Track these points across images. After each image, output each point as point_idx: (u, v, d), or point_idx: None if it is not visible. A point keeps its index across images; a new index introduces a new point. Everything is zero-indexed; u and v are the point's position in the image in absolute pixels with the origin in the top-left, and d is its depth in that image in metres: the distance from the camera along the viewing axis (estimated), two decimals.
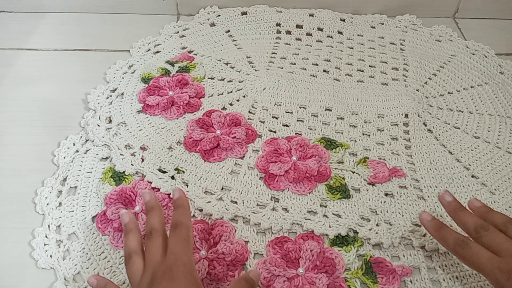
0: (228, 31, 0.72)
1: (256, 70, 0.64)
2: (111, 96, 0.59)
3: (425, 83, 0.63)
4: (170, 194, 0.47)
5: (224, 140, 0.52)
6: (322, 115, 0.57)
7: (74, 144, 0.52)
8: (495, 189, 0.49)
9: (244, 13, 0.74)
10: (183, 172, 0.50)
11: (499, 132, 0.56)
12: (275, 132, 0.55)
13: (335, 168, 0.50)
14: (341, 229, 0.44)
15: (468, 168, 0.52)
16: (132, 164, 0.50)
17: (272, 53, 0.68)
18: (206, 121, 0.55)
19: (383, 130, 0.56)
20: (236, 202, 0.47)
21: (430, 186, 0.49)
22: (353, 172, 0.50)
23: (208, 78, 0.63)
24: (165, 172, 0.50)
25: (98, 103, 0.57)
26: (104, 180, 0.49)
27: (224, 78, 0.63)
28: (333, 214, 0.46)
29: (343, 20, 0.74)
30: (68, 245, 0.43)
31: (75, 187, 0.48)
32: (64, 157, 0.51)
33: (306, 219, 0.45)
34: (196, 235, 0.43)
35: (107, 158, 0.51)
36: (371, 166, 0.50)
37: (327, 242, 0.44)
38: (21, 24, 0.72)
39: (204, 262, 0.41)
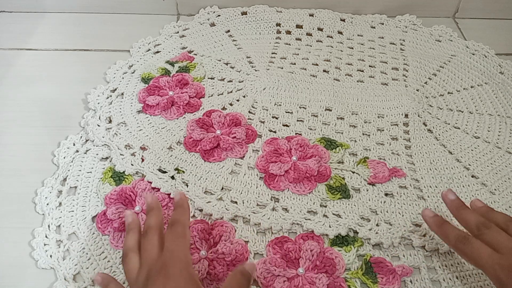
0: (228, 31, 0.72)
1: (256, 70, 0.64)
2: (111, 96, 0.59)
3: (425, 83, 0.63)
4: (170, 194, 0.47)
5: (224, 140, 0.52)
6: (322, 115, 0.57)
7: (74, 144, 0.52)
8: (495, 189, 0.49)
9: (244, 13, 0.74)
10: (183, 172, 0.50)
11: (499, 132, 0.56)
12: (275, 132, 0.55)
13: (335, 168, 0.50)
14: (341, 229, 0.44)
15: (468, 168, 0.52)
16: (132, 164, 0.50)
17: (272, 53, 0.68)
18: (206, 121, 0.55)
19: (383, 130, 0.56)
20: (236, 202, 0.47)
21: (430, 186, 0.49)
22: (353, 172, 0.50)
23: (208, 78, 0.63)
24: (165, 172, 0.50)
25: (98, 103, 0.57)
26: (104, 180, 0.49)
27: (224, 78, 0.63)
28: (333, 214, 0.46)
29: (343, 20, 0.74)
30: (68, 245, 0.43)
31: (75, 187, 0.48)
32: (64, 157, 0.51)
33: (306, 219, 0.45)
34: (196, 235, 0.43)
35: (107, 158, 0.51)
36: (371, 166, 0.50)
37: (327, 242, 0.44)
38: (21, 24, 0.72)
39: (204, 262, 0.41)
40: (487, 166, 0.52)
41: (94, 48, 0.68)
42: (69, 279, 0.41)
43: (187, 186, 0.48)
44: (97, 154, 0.51)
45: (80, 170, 0.50)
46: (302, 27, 0.73)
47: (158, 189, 0.48)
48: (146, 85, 0.60)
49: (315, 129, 0.55)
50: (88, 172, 0.50)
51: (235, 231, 0.45)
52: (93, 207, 0.46)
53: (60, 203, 0.47)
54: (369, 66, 0.66)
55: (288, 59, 0.66)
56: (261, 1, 0.75)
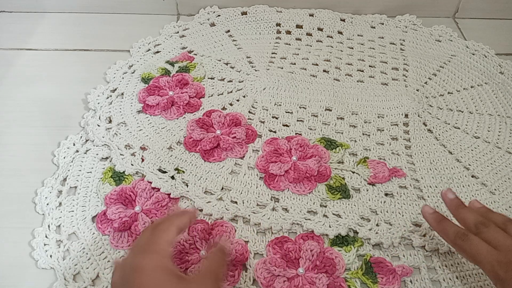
0: (228, 31, 0.72)
1: (256, 70, 0.64)
2: (111, 96, 0.59)
3: (425, 83, 0.63)
4: (170, 194, 0.47)
5: (224, 140, 0.52)
6: (322, 115, 0.57)
7: (74, 144, 0.52)
8: (495, 189, 0.49)
9: (244, 13, 0.74)
10: (183, 172, 0.50)
11: (499, 132, 0.56)
12: (275, 132, 0.55)
13: (335, 168, 0.50)
14: (341, 229, 0.44)
15: (468, 168, 0.52)
16: (132, 164, 0.50)
17: (272, 53, 0.68)
18: (206, 121, 0.55)
19: (383, 130, 0.56)
20: (236, 202, 0.47)
21: (430, 186, 0.49)
22: (353, 172, 0.50)
23: (208, 78, 0.63)
24: (165, 172, 0.50)
25: (98, 103, 0.57)
26: (104, 180, 0.49)
27: (224, 78, 0.63)
28: (333, 214, 0.46)
29: (343, 20, 0.74)
30: (68, 245, 0.43)
31: (75, 187, 0.48)
32: (64, 157, 0.51)
33: (306, 219, 0.45)
34: (196, 235, 0.43)
35: (107, 158, 0.51)
36: (371, 166, 0.50)
37: (327, 242, 0.44)
38: (21, 24, 0.72)
39: (204, 262, 0.41)
40: (487, 166, 0.52)
41: (94, 48, 0.68)
42: (69, 279, 0.41)
43: (187, 186, 0.48)
44: (97, 154, 0.51)
45: (80, 170, 0.50)
46: (302, 27, 0.73)
47: (158, 189, 0.47)
48: (146, 85, 0.60)
49: (315, 129, 0.55)
50: (88, 172, 0.50)
51: (235, 231, 0.45)
52: (93, 207, 0.46)
53: (60, 203, 0.47)
54: (369, 66, 0.66)
55: (288, 59, 0.66)
56: (261, 1, 0.75)
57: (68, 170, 0.49)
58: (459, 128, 0.57)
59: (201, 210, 0.46)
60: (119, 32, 0.71)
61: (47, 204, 0.46)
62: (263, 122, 0.56)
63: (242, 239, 0.44)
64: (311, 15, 0.74)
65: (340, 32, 0.72)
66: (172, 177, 0.49)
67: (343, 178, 0.49)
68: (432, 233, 0.44)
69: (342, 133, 0.55)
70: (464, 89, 0.63)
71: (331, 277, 0.40)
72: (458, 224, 0.40)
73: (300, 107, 0.58)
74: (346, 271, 0.42)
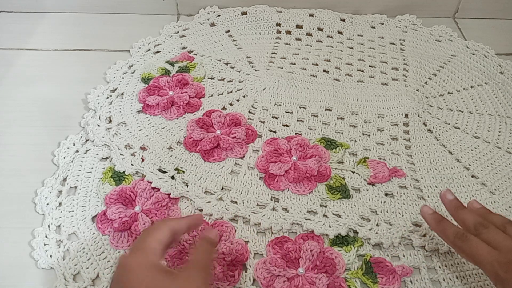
0: (228, 31, 0.72)
1: (256, 70, 0.64)
2: (111, 96, 0.59)
3: (425, 83, 0.63)
4: (170, 194, 0.47)
5: (224, 140, 0.52)
6: (322, 115, 0.57)
7: (74, 144, 0.52)
8: (495, 189, 0.49)
9: (244, 13, 0.74)
10: (183, 172, 0.50)
11: (499, 132, 0.56)
12: (275, 132, 0.55)
13: (335, 168, 0.50)
14: (341, 229, 0.44)
15: (468, 168, 0.52)
16: (132, 164, 0.50)
17: (272, 53, 0.68)
18: (206, 121, 0.55)
19: (383, 130, 0.56)
20: (236, 202, 0.47)
21: (430, 186, 0.49)
22: (353, 172, 0.50)
23: (208, 78, 0.63)
24: (165, 172, 0.49)
25: (98, 103, 0.57)
26: (104, 180, 0.49)
27: (224, 78, 0.63)
28: (333, 214, 0.46)
29: (343, 20, 0.74)
30: (68, 245, 0.43)
31: (75, 187, 0.48)
32: (64, 157, 0.51)
33: (306, 219, 0.45)
34: (196, 235, 0.43)
35: (107, 158, 0.51)
36: (371, 166, 0.50)
37: (327, 242, 0.44)
38: (21, 24, 0.72)
39: None
40: (487, 166, 0.52)
41: (94, 48, 0.68)
42: (69, 279, 0.41)
43: (187, 186, 0.48)
44: (97, 154, 0.51)
45: (80, 170, 0.50)
46: (302, 27, 0.73)
47: (158, 189, 0.47)
48: (146, 85, 0.60)
49: (315, 129, 0.55)
50: (88, 172, 0.50)
51: (235, 231, 0.45)
52: (93, 207, 0.46)
53: (60, 203, 0.47)
54: (369, 66, 0.66)
55: (288, 59, 0.66)
56: (261, 1, 0.75)
57: (68, 170, 0.49)
58: (459, 128, 0.57)
59: (201, 210, 0.46)
60: (119, 32, 0.71)
61: (47, 204, 0.46)
62: (263, 122, 0.56)
63: (242, 239, 0.44)
64: (311, 15, 0.74)
65: (340, 32, 0.72)
66: (172, 177, 0.49)
67: (343, 178, 0.49)
68: (432, 233, 0.44)
69: (342, 133, 0.55)
70: (464, 89, 0.63)
71: (331, 277, 0.40)
72: (457, 225, 0.40)
73: (300, 107, 0.58)
74: (346, 271, 0.42)
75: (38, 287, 0.41)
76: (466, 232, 0.38)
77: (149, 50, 0.67)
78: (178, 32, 0.71)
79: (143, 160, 0.50)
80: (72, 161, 0.50)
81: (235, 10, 0.74)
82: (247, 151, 0.52)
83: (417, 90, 0.62)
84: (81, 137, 0.53)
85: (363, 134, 0.55)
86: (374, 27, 0.73)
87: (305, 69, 0.64)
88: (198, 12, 0.74)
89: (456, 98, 0.61)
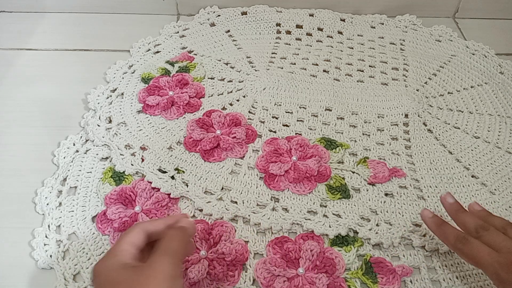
0: (228, 31, 0.72)
1: (256, 70, 0.64)
2: (111, 96, 0.59)
3: (425, 83, 0.63)
4: (170, 194, 0.47)
5: (224, 140, 0.52)
6: (322, 115, 0.57)
7: (74, 144, 0.52)
8: (495, 189, 0.49)
9: (244, 13, 0.74)
10: (183, 172, 0.50)
11: (499, 132, 0.56)
12: (275, 132, 0.55)
13: (335, 168, 0.50)
14: (341, 229, 0.44)
15: (468, 168, 0.52)
16: (132, 164, 0.50)
17: (272, 53, 0.68)
18: (206, 121, 0.55)
19: (383, 130, 0.56)
20: (236, 202, 0.47)
21: (430, 186, 0.49)
22: (353, 172, 0.50)
23: (208, 78, 0.63)
24: (165, 172, 0.49)
25: (98, 103, 0.57)
26: (104, 180, 0.49)
27: (224, 78, 0.63)
28: (333, 214, 0.46)
29: (343, 20, 0.74)
30: (68, 245, 0.43)
31: (75, 187, 0.48)
32: (64, 157, 0.51)
33: (306, 219, 0.45)
34: (196, 235, 0.43)
35: (107, 158, 0.51)
36: (371, 166, 0.50)
37: (327, 242, 0.44)
38: (21, 24, 0.72)
39: (204, 262, 0.41)
40: (487, 166, 0.52)
41: (94, 48, 0.68)
42: (69, 279, 0.41)
43: (187, 186, 0.48)
44: (97, 154, 0.51)
45: (80, 170, 0.50)
46: (302, 27, 0.73)
47: (158, 189, 0.47)
48: (146, 85, 0.60)
49: (315, 129, 0.55)
50: (88, 172, 0.50)
51: (235, 231, 0.45)
52: (93, 207, 0.46)
53: (60, 203, 0.47)
54: (369, 66, 0.66)
55: (288, 59, 0.66)
56: (261, 1, 0.75)
57: (68, 170, 0.49)
58: (459, 128, 0.57)
59: (201, 210, 0.46)
60: (119, 32, 0.71)
61: (47, 204, 0.46)
62: (263, 122, 0.56)
63: (242, 239, 0.44)
64: (311, 15, 0.74)
65: (340, 32, 0.72)
66: (172, 177, 0.49)
67: (343, 178, 0.49)
68: (432, 233, 0.44)
69: (342, 133, 0.55)
70: (464, 89, 0.63)
71: (331, 277, 0.40)
72: (458, 228, 0.40)
73: (300, 107, 0.58)
74: (346, 271, 0.42)
75: (38, 287, 0.41)
76: (467, 235, 0.38)
77: (149, 50, 0.67)
78: (178, 32, 0.71)
79: (143, 160, 0.50)
80: (72, 161, 0.50)
81: (235, 10, 0.74)
82: (247, 151, 0.52)
83: (417, 90, 0.62)
84: (81, 137, 0.53)
85: (363, 134, 0.55)
86: (374, 27, 0.73)
87: (305, 69, 0.64)
88: (198, 12, 0.74)
89: (456, 98, 0.61)
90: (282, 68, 0.65)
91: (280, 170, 0.49)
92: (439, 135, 0.55)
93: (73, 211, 0.46)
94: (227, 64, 0.65)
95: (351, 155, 0.53)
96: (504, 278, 0.34)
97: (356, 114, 0.58)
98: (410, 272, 0.41)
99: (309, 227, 0.44)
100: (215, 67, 0.64)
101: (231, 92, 0.60)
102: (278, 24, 0.73)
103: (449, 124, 0.57)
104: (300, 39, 0.71)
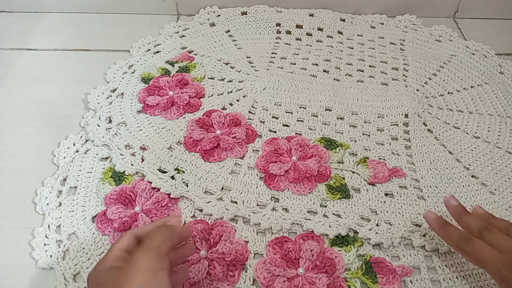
0: (228, 31, 0.72)
1: (256, 70, 0.64)
2: (111, 96, 0.59)
3: (425, 83, 0.63)
4: (170, 194, 0.47)
5: (224, 140, 0.52)
6: (322, 115, 0.57)
7: (74, 144, 0.52)
8: (495, 189, 0.49)
9: (244, 13, 0.74)
10: (183, 172, 0.50)
11: (499, 132, 0.56)
12: (275, 132, 0.55)
13: (335, 168, 0.50)
14: (341, 229, 0.44)
15: (468, 168, 0.52)
16: (132, 164, 0.50)
17: (272, 53, 0.68)
18: (206, 121, 0.55)
19: (383, 130, 0.56)
20: (236, 202, 0.47)
21: (430, 186, 0.49)
22: (353, 172, 0.50)
23: (208, 78, 0.63)
24: (165, 172, 0.49)
25: (98, 103, 0.57)
26: (104, 180, 0.49)
27: (224, 78, 0.63)
28: (333, 214, 0.46)
29: (343, 20, 0.74)
30: (68, 245, 0.43)
31: (75, 187, 0.48)
32: (64, 157, 0.51)
33: (306, 219, 0.45)
34: (196, 235, 0.43)
35: (107, 158, 0.51)
36: (371, 166, 0.50)
37: (327, 242, 0.44)
38: (21, 24, 0.72)
39: (204, 262, 0.41)
40: (487, 166, 0.52)
41: (94, 48, 0.68)
42: (69, 279, 0.41)
43: (187, 186, 0.48)
44: (97, 154, 0.51)
45: (80, 170, 0.50)
46: (302, 27, 0.73)
47: (158, 189, 0.47)
48: (146, 85, 0.60)
49: (315, 129, 0.55)
50: (88, 172, 0.50)
51: (235, 231, 0.45)
52: (93, 207, 0.46)
53: (60, 203, 0.47)
54: (369, 66, 0.66)
55: (288, 59, 0.66)
56: (261, 1, 0.75)
57: (68, 170, 0.49)
58: (459, 128, 0.57)
59: (201, 210, 0.46)
60: (119, 32, 0.71)
61: (47, 204, 0.46)
62: (263, 122, 0.56)
63: (242, 239, 0.44)
64: (311, 15, 0.74)
65: (340, 32, 0.72)
66: (172, 177, 0.49)
67: (343, 178, 0.49)
68: (432, 233, 0.44)
69: (342, 133, 0.55)
70: (464, 89, 0.63)
71: (331, 277, 0.40)
72: (461, 229, 0.40)
73: (300, 107, 0.58)
74: (346, 271, 0.42)
75: (38, 287, 0.41)
76: (470, 235, 0.38)
77: (149, 50, 0.67)
78: (178, 32, 0.71)
79: (143, 160, 0.50)
80: (72, 161, 0.50)
81: (235, 10, 0.74)
82: (247, 151, 0.52)
83: (417, 90, 0.62)
84: (81, 137, 0.53)
85: (363, 134, 0.55)
86: (374, 27, 0.73)
87: (305, 69, 0.64)
88: (198, 12, 0.74)
89: (456, 98, 0.61)
90: (282, 68, 0.65)
91: (280, 170, 0.49)
92: (439, 135, 0.55)
93: (73, 211, 0.46)
94: (227, 64, 0.65)
95: (351, 155, 0.53)
96: (507, 277, 0.34)
97: (356, 114, 0.58)
98: (410, 272, 0.41)
99: (309, 227, 0.44)
100: (215, 67, 0.64)
101: (231, 92, 0.60)
102: (278, 24, 0.73)
103: (449, 124, 0.57)
104: (300, 39, 0.71)
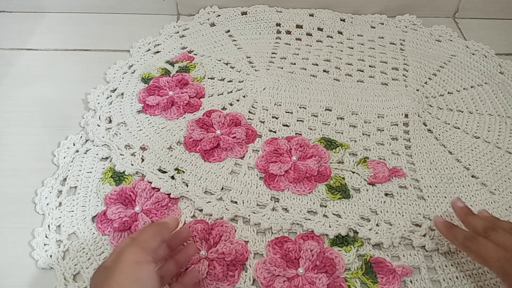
0: (228, 31, 0.72)
1: (256, 70, 0.64)
2: (111, 96, 0.59)
3: (425, 83, 0.63)
4: (170, 194, 0.47)
5: (224, 140, 0.52)
6: (322, 115, 0.57)
7: (74, 144, 0.52)
8: (495, 189, 0.49)
9: (244, 13, 0.74)
10: (183, 172, 0.50)
11: (499, 132, 0.56)
12: (275, 132, 0.55)
13: (335, 168, 0.50)
14: (341, 229, 0.44)
15: (468, 168, 0.52)
16: (132, 164, 0.50)
17: (272, 53, 0.68)
18: (206, 121, 0.55)
19: (383, 130, 0.56)
20: (236, 202, 0.47)
21: (430, 186, 0.49)
22: (353, 172, 0.50)
23: (208, 78, 0.63)
24: (165, 172, 0.49)
25: (98, 103, 0.57)
26: (104, 180, 0.49)
27: (224, 78, 0.63)
28: (333, 214, 0.46)
29: (343, 20, 0.74)
30: (68, 245, 0.43)
31: (75, 187, 0.48)
32: (64, 157, 0.51)
33: (306, 219, 0.45)
34: (196, 235, 0.43)
35: (107, 158, 0.51)
36: (371, 166, 0.50)
37: (327, 242, 0.44)
38: (21, 24, 0.72)
39: (204, 262, 0.41)
40: (487, 166, 0.52)
41: (94, 48, 0.68)
42: (69, 279, 0.41)
43: (187, 186, 0.48)
44: (97, 154, 0.51)
45: (80, 170, 0.50)
46: (302, 27, 0.73)
47: (158, 189, 0.47)
48: (146, 85, 0.60)
49: (315, 129, 0.55)
50: (88, 172, 0.50)
51: (235, 231, 0.45)
52: (93, 207, 0.46)
53: (60, 203, 0.47)
54: (369, 66, 0.66)
55: (288, 59, 0.66)
56: (261, 1, 0.75)
57: (68, 170, 0.49)
58: (459, 128, 0.57)
59: (201, 210, 0.46)
60: (119, 32, 0.71)
61: (47, 204, 0.46)
62: (263, 122, 0.56)
63: (242, 239, 0.44)
64: (311, 15, 0.74)
65: (340, 32, 0.72)
66: (172, 177, 0.49)
67: (343, 178, 0.49)
68: (432, 233, 0.44)
69: (342, 133, 0.55)
70: (464, 89, 0.63)
71: (331, 277, 0.40)
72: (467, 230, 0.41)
73: (300, 107, 0.58)
74: (346, 271, 0.42)
75: (38, 287, 0.41)
76: (475, 234, 0.39)
77: (149, 50, 0.67)
78: (178, 32, 0.71)
79: (143, 160, 0.50)
80: (72, 161, 0.50)
81: (235, 10, 0.74)
82: (247, 151, 0.52)
83: (417, 90, 0.62)
84: (81, 137, 0.53)
85: (363, 134, 0.55)
86: (374, 27, 0.73)
87: (305, 69, 0.64)
88: (198, 12, 0.74)
89: (456, 98, 0.61)
90: (282, 68, 0.65)
91: (280, 170, 0.49)
92: (439, 135, 0.55)
93: (73, 211, 0.46)
94: (227, 64, 0.65)
95: (351, 155, 0.53)
96: (510, 273, 0.35)
97: (356, 114, 0.58)
98: (410, 272, 0.41)
99: (309, 227, 0.44)
100: (215, 67, 0.64)
101: (231, 92, 0.60)
102: (278, 24, 0.73)
103: (449, 124, 0.57)
104: (300, 39, 0.71)
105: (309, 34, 0.72)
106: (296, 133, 0.55)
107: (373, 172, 0.49)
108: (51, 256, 0.42)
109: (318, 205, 0.47)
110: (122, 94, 0.59)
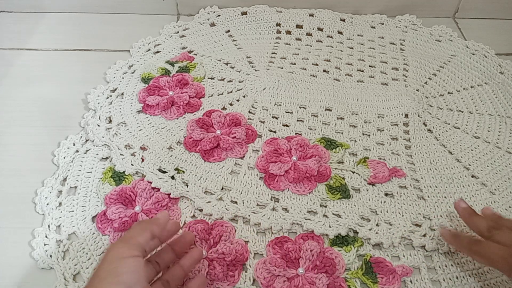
0: (228, 31, 0.72)
1: (256, 70, 0.64)
2: (111, 96, 0.59)
3: (425, 83, 0.63)
4: (170, 194, 0.47)
5: (224, 140, 0.52)
6: (322, 115, 0.57)
7: (74, 144, 0.52)
8: (495, 189, 0.49)
9: (244, 13, 0.74)
10: (183, 172, 0.50)
11: (499, 132, 0.56)
12: (275, 132, 0.55)
13: (335, 168, 0.50)
14: (341, 229, 0.44)
15: (468, 168, 0.52)
16: (132, 164, 0.50)
17: (272, 53, 0.68)
18: (206, 121, 0.55)
19: (383, 130, 0.56)
20: (236, 202, 0.47)
21: (430, 186, 0.49)
22: (353, 172, 0.50)
23: (208, 78, 0.63)
24: (165, 172, 0.49)
25: (98, 103, 0.57)
26: (104, 180, 0.49)
27: (224, 78, 0.63)
28: (333, 214, 0.46)
29: (343, 20, 0.74)
30: (68, 245, 0.43)
31: (75, 187, 0.48)
32: (64, 157, 0.51)
33: (306, 219, 0.45)
34: (196, 235, 0.43)
35: (107, 158, 0.51)
36: (371, 166, 0.50)
37: (327, 242, 0.44)
38: (21, 24, 0.72)
39: (204, 262, 0.41)
40: (487, 166, 0.52)
41: (94, 48, 0.68)
42: (69, 279, 0.41)
43: (187, 186, 0.48)
44: (97, 154, 0.51)
45: (80, 170, 0.50)
46: (302, 27, 0.73)
47: (158, 189, 0.47)
48: (146, 85, 0.60)
49: (315, 129, 0.55)
50: (88, 172, 0.50)
51: (235, 231, 0.45)
52: (93, 207, 0.46)
53: (60, 203, 0.47)
54: (369, 66, 0.66)
55: (288, 59, 0.66)
56: (261, 1, 0.75)
57: (68, 170, 0.49)
58: (459, 128, 0.57)
59: (201, 210, 0.46)
60: (119, 32, 0.71)
61: (47, 204, 0.46)
62: (263, 122, 0.56)
63: (242, 239, 0.44)
64: (311, 15, 0.74)
65: (340, 32, 0.72)
66: (172, 177, 0.49)
67: (343, 178, 0.49)
68: (432, 233, 0.44)
69: (342, 133, 0.55)
70: (464, 89, 0.63)
71: (331, 277, 0.40)
72: (473, 233, 0.41)
73: (300, 107, 0.58)
74: (346, 271, 0.42)
75: (38, 287, 0.41)
76: (480, 238, 0.39)
77: (149, 50, 0.67)
78: (178, 32, 0.71)
79: (143, 160, 0.50)
80: (72, 161, 0.50)
81: (235, 10, 0.74)
82: (247, 151, 0.52)
83: (417, 90, 0.62)
84: (81, 137, 0.53)
85: (363, 134, 0.55)
86: (374, 27, 0.73)
87: (305, 69, 0.64)
88: (198, 12, 0.74)
89: (456, 98, 0.61)
90: (282, 68, 0.65)
91: (280, 170, 0.49)
92: (439, 135, 0.55)
93: (73, 211, 0.46)
94: (227, 64, 0.65)
95: (351, 155, 0.53)
96: None
97: (356, 114, 0.58)
98: (410, 272, 0.41)
99: (309, 227, 0.44)
100: (215, 67, 0.64)
101: (231, 92, 0.60)
102: (278, 24, 0.73)
103: (449, 124, 0.57)
104: (300, 39, 0.71)
105: (309, 34, 0.72)
106: (296, 133, 0.55)
107: (373, 172, 0.50)
108: (51, 256, 0.42)
109: (318, 205, 0.47)
110: (122, 94, 0.59)
